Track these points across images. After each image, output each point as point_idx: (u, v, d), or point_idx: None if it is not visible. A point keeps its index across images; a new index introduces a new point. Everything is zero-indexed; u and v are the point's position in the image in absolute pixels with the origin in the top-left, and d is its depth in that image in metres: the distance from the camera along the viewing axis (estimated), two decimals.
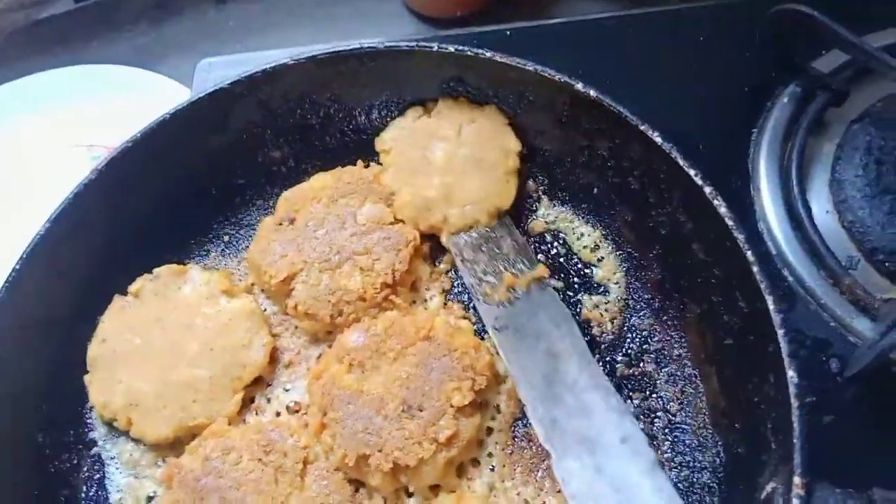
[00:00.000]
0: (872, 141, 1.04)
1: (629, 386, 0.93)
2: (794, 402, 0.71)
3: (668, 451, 0.88)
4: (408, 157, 1.04)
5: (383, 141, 1.07)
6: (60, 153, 1.38)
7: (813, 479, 0.69)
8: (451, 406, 0.87)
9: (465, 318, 0.99)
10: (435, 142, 1.04)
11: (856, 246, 1.00)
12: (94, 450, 0.96)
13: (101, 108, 1.40)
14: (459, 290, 1.03)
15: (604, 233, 1.03)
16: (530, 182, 1.07)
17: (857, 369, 0.90)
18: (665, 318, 0.96)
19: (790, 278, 0.99)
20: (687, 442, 0.88)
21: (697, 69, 1.17)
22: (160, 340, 0.96)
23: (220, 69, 1.01)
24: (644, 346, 0.95)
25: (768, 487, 0.73)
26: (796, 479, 0.68)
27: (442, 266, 1.04)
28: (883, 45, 1.07)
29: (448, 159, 1.02)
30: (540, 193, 1.07)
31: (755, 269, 0.78)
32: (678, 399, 0.91)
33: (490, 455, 0.91)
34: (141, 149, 0.98)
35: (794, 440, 0.70)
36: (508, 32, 1.24)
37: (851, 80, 1.10)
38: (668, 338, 0.95)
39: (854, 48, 1.03)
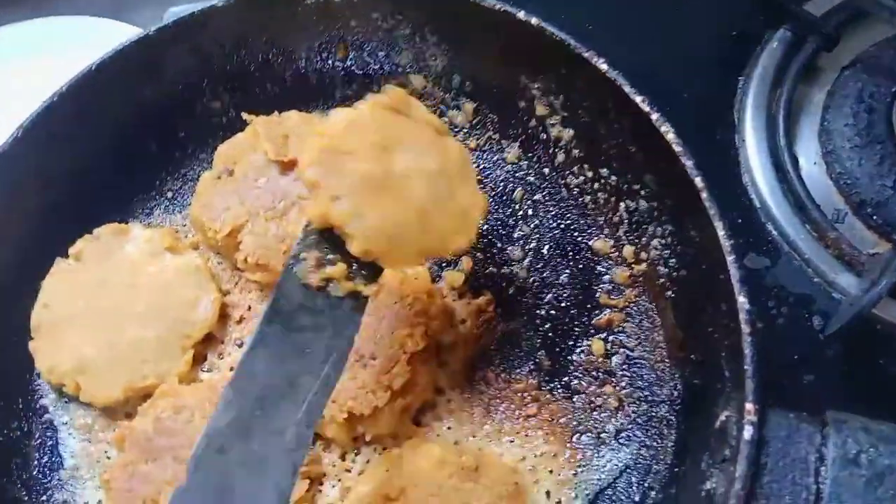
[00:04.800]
0: (864, 88, 1.00)
1: None
2: (746, 329, 0.70)
3: (627, 386, 0.87)
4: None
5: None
6: (32, 107, 1.32)
7: (766, 406, 0.68)
8: (405, 353, 0.84)
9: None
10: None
11: (843, 199, 0.97)
12: (46, 416, 0.95)
13: (74, 60, 1.33)
14: None
15: None
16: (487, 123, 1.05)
17: (838, 326, 0.88)
18: None
19: (774, 232, 0.97)
20: (645, 377, 0.87)
21: (683, 14, 1.13)
22: (105, 302, 0.94)
23: None
24: None
25: (723, 416, 0.73)
26: (748, 406, 0.67)
27: None
28: None
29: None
30: (492, 133, 1.04)
31: (704, 195, 0.76)
32: (636, 335, 0.90)
33: (448, 400, 0.89)
34: (67, 104, 0.95)
35: (746, 367, 0.69)
36: None
37: (844, 23, 1.06)
38: None
39: None
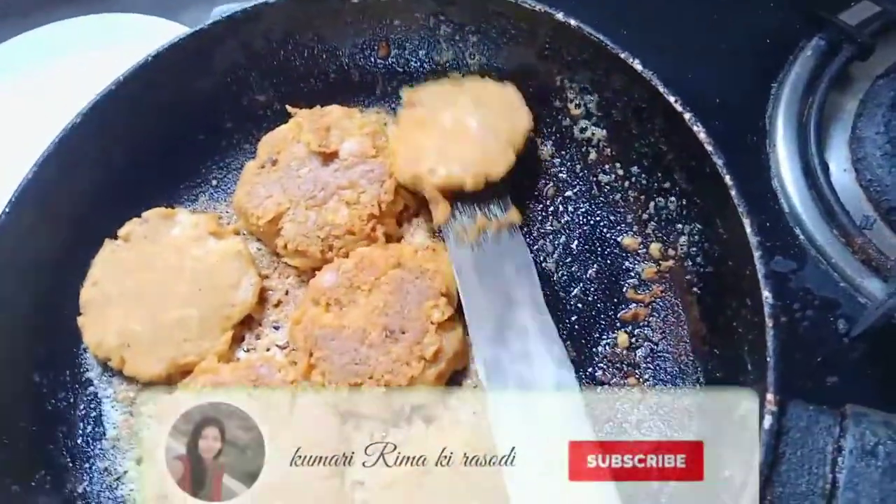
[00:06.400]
0: None
1: None
2: (769, 322, 0.72)
3: (650, 378, 0.89)
4: (421, 116, 1.01)
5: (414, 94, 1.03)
6: (79, 103, 1.37)
7: (786, 397, 0.70)
8: (432, 323, 0.88)
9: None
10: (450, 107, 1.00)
11: (872, 205, 0.98)
12: (90, 389, 0.99)
13: (121, 57, 1.37)
14: None
15: None
16: None
17: (863, 328, 0.89)
18: None
19: (801, 237, 0.98)
20: (668, 370, 0.89)
21: (718, 20, 1.15)
22: (151, 282, 0.98)
23: None
24: None
25: (743, 407, 0.74)
26: (769, 396, 0.69)
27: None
28: None
29: (455, 123, 0.98)
30: None
31: (733, 192, 0.78)
32: (660, 329, 0.91)
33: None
34: (124, 92, 0.99)
35: (768, 359, 0.70)
36: None
37: (879, 33, 1.07)
38: None
39: None
